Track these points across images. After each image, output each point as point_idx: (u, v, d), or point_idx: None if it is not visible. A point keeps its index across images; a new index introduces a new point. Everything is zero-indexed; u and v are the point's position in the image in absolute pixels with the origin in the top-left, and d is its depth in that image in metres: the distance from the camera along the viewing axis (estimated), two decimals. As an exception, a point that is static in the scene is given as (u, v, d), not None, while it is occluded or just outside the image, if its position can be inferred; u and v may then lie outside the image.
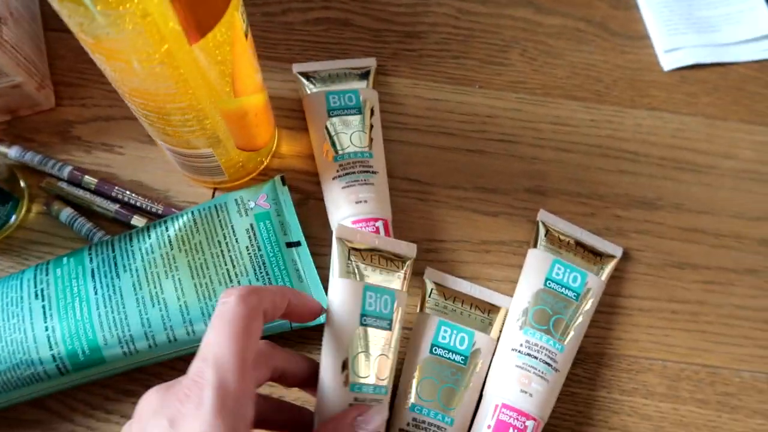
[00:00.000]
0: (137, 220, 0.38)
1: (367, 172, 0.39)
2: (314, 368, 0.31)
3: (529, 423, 0.34)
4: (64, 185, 0.39)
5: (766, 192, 0.43)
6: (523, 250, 0.40)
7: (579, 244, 0.39)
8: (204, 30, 0.27)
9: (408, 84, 0.44)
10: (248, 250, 0.36)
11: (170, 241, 0.35)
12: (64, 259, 0.35)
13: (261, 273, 0.36)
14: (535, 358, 0.35)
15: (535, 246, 0.39)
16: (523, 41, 0.46)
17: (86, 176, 0.39)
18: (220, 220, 0.37)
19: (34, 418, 0.35)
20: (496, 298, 0.38)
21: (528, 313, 0.36)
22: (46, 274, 0.34)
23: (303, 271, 0.37)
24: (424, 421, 0.34)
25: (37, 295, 0.34)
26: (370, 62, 0.44)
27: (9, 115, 0.41)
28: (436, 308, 0.37)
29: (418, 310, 0.37)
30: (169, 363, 0.36)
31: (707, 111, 0.45)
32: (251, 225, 0.37)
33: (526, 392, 0.34)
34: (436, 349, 0.35)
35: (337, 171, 0.39)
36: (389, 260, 0.33)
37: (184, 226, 0.36)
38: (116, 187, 0.39)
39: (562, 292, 0.37)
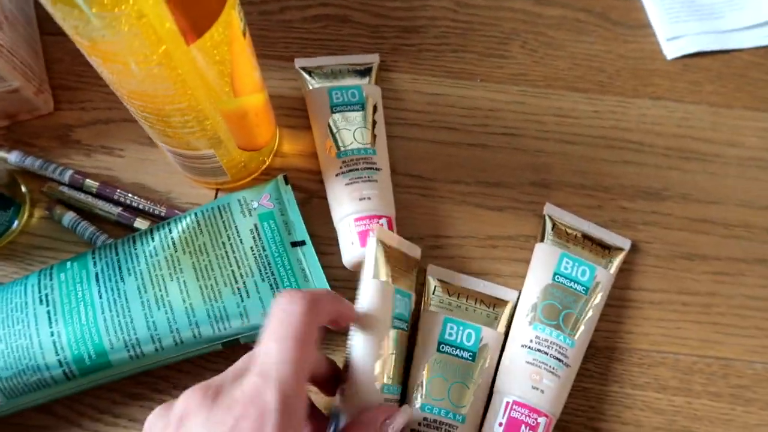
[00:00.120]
0: (140, 223, 0.38)
1: (370, 168, 0.39)
2: (334, 370, 0.30)
3: (541, 419, 0.34)
4: (65, 189, 0.39)
5: (774, 180, 0.42)
6: (530, 244, 0.39)
7: (586, 237, 0.39)
8: (201, 30, 0.27)
9: (408, 79, 0.44)
10: (253, 251, 0.36)
11: (174, 243, 0.35)
12: (68, 264, 0.35)
13: (266, 273, 0.35)
14: (546, 353, 0.35)
15: (542, 240, 0.38)
16: (523, 33, 0.45)
17: (87, 180, 0.39)
18: (223, 221, 0.36)
19: (41, 423, 0.35)
20: (501, 291, 0.37)
21: (537, 308, 0.36)
22: (50, 279, 0.34)
23: (309, 270, 0.37)
24: (435, 420, 0.33)
25: (41, 301, 0.33)
26: (373, 58, 0.43)
27: (8, 120, 0.41)
28: (440, 305, 0.36)
29: (422, 309, 0.37)
30: (176, 366, 0.36)
31: (711, 99, 0.44)
32: (255, 225, 0.36)
33: (537, 388, 0.34)
34: (443, 347, 0.35)
35: (340, 168, 0.39)
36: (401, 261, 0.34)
37: (188, 228, 0.36)
38: (118, 190, 0.39)
39: (571, 287, 0.37)
